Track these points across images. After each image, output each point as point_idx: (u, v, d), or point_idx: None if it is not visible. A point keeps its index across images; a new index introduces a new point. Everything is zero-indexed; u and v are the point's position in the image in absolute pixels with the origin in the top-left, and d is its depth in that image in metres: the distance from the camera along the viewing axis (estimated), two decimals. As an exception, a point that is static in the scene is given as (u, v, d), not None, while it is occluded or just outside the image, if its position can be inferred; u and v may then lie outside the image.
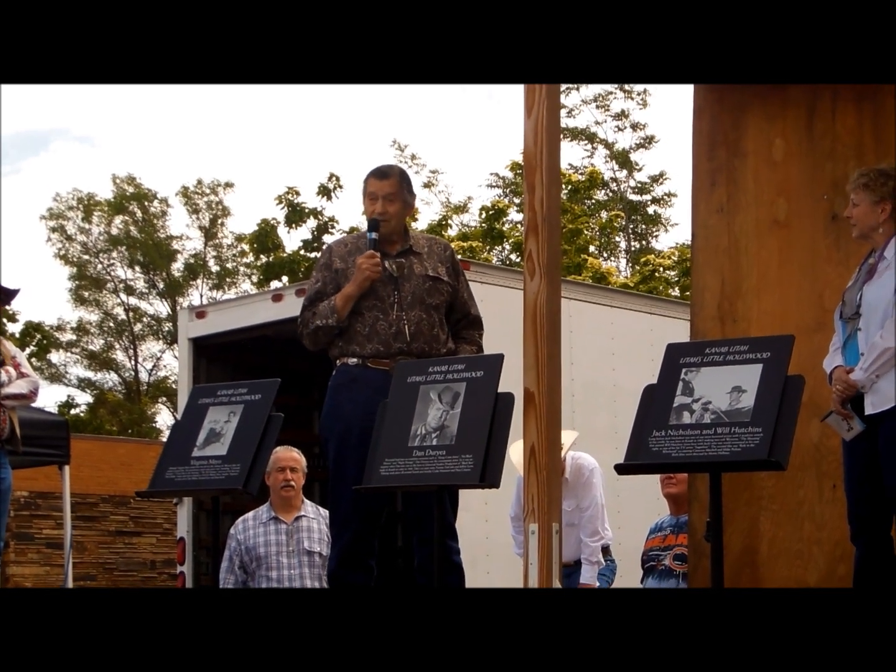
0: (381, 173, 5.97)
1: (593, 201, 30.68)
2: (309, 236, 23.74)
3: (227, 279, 37.74)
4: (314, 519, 7.65)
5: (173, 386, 33.72)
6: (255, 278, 30.38)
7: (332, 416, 5.83)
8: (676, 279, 25.76)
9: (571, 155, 33.90)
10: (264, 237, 23.71)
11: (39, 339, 32.17)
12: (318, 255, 6.11)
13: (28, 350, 29.86)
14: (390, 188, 5.93)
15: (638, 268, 26.98)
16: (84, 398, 36.21)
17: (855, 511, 5.53)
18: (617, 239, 33.42)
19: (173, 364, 35.97)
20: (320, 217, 23.55)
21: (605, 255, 32.13)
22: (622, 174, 34.30)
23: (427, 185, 31.27)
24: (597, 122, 33.91)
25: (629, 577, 8.49)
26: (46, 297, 52.20)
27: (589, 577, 8.08)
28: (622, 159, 33.81)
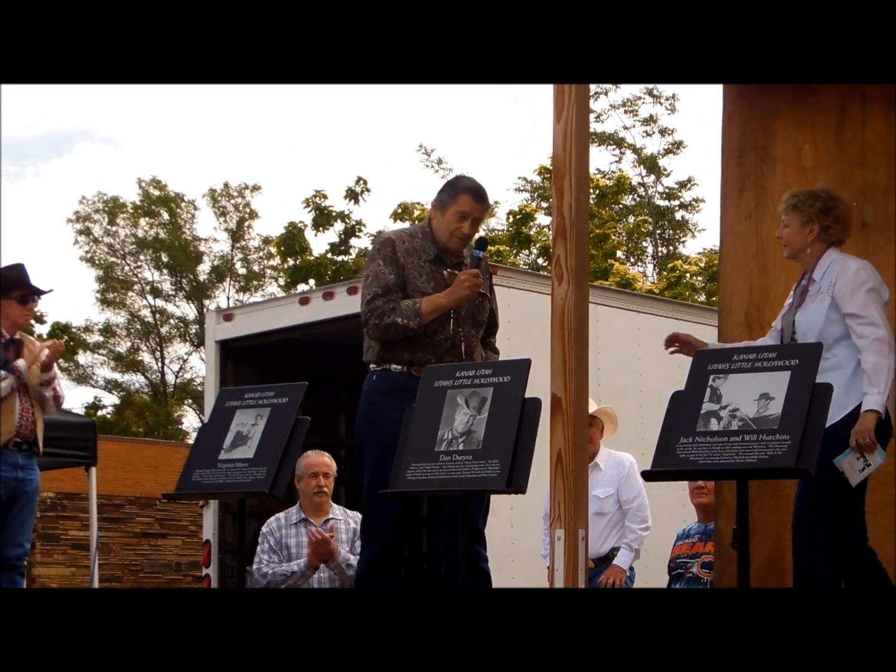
0: (480, 196, 5.91)
1: (621, 206, 30.64)
2: (336, 240, 23.81)
3: (254, 282, 37.82)
4: (342, 521, 7.66)
5: (200, 388, 33.84)
6: (281, 281, 30.43)
7: (373, 421, 5.76)
8: (703, 285, 25.70)
9: (599, 160, 33.86)
10: (291, 240, 23.79)
11: (67, 340, 32.29)
12: (372, 243, 5.97)
13: (56, 351, 29.93)
14: (481, 213, 5.94)
15: (665, 273, 26.93)
16: (111, 400, 36.38)
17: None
18: (644, 244, 33.35)
19: (200, 366, 36.11)
20: (347, 220, 23.63)
21: (633, 260, 32.07)
22: (650, 179, 34.25)
23: (454, 190, 31.24)
24: (625, 127, 33.86)
25: (655, 583, 8.46)
26: (74, 299, 52.46)
27: (624, 560, 7.92)
28: (650, 164, 33.74)
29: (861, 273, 5.48)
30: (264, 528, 7.70)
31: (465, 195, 5.86)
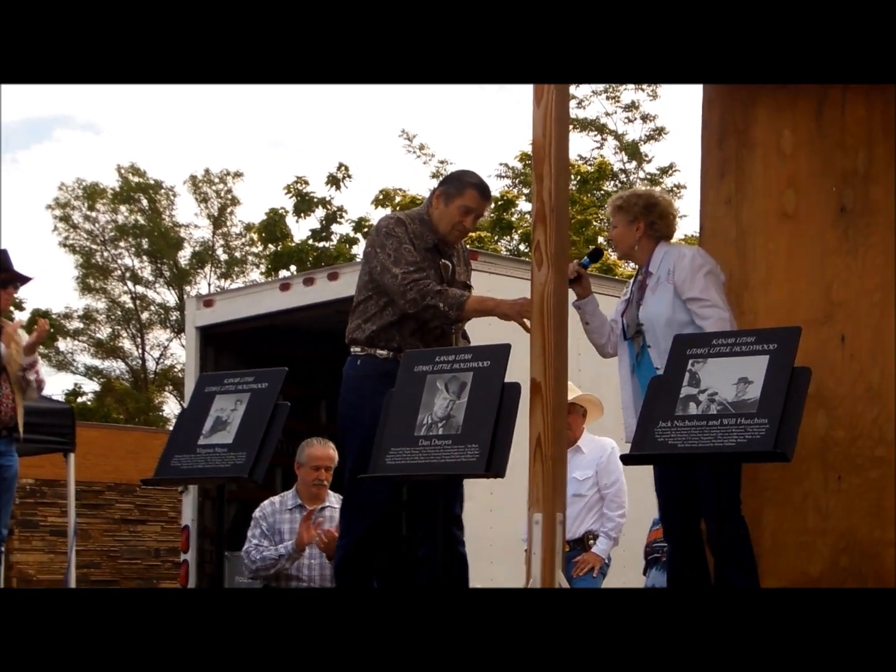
0: (486, 193, 6.02)
1: (603, 192, 30.63)
2: (317, 226, 23.77)
3: (235, 268, 37.75)
4: (336, 509, 7.68)
5: (180, 374, 33.75)
6: (263, 267, 30.39)
7: (356, 405, 5.72)
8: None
9: (581, 146, 33.90)
10: (273, 226, 23.73)
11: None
12: (381, 224, 5.84)
13: (35, 338, 29.83)
14: (483, 210, 6.03)
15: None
16: (91, 386, 36.35)
17: (666, 511, 5.78)
18: (625, 230, 33.29)
19: (180, 352, 36.03)
20: (329, 207, 23.57)
21: (614, 245, 32.07)
22: (631, 165, 34.21)
23: (436, 176, 31.25)
24: (606, 113, 33.76)
25: (632, 568, 8.48)
26: (53, 285, 52.30)
27: (602, 549, 7.95)
28: (632, 150, 33.69)
29: (697, 258, 5.72)
30: (257, 513, 7.69)
31: (472, 190, 5.91)
